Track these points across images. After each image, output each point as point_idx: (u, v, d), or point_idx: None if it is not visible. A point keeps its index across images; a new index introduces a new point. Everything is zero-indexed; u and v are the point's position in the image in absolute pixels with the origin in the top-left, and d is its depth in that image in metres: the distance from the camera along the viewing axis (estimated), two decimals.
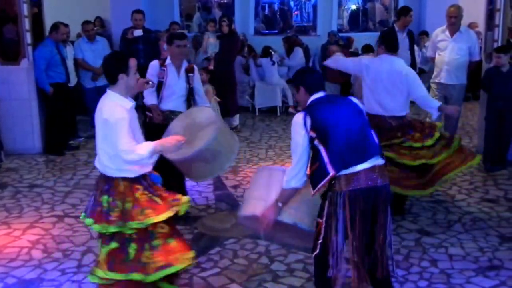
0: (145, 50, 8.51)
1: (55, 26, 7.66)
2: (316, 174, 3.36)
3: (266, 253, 4.73)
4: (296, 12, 12.31)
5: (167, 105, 5.44)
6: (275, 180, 3.63)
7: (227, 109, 8.83)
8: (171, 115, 5.28)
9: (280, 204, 3.50)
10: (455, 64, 6.92)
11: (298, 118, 3.38)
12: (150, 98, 5.39)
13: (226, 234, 5.14)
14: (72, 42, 8.67)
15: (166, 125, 5.01)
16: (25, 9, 7.40)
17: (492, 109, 6.72)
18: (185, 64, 5.50)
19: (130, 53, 8.36)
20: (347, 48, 10.07)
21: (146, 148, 3.51)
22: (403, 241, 4.92)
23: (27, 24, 7.45)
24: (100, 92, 8.34)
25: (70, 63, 8.16)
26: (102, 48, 8.44)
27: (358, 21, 12.37)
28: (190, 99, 5.53)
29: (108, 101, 3.55)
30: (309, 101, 3.49)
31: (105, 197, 3.55)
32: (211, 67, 8.95)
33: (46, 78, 7.54)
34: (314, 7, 11.85)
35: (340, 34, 11.14)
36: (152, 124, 5.35)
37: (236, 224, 5.37)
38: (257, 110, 10.16)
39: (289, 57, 10.53)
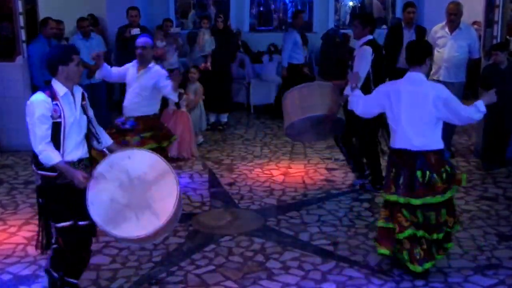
0: None
1: (44, 21, 7.59)
2: None
3: (261, 250, 4.70)
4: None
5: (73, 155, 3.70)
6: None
7: (220, 105, 8.79)
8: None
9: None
10: (455, 61, 6.85)
11: None
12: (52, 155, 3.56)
13: (221, 231, 5.10)
14: (67, 39, 8.60)
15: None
16: (19, 6, 7.34)
17: (490, 106, 6.65)
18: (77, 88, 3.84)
19: (127, 51, 8.39)
20: (343, 45, 9.96)
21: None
22: None
23: (21, 21, 7.39)
24: (94, 89, 8.40)
25: None
26: (97, 45, 8.37)
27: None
28: (90, 138, 3.87)
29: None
30: None
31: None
32: (208, 65, 8.90)
33: (41, 75, 7.47)
34: (310, 3, 11.78)
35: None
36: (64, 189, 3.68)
37: (231, 221, 5.34)
38: (252, 107, 10.11)
39: None
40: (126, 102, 5.60)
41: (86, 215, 3.61)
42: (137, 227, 3.59)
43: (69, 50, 3.72)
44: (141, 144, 5.29)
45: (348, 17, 12.20)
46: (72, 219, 3.65)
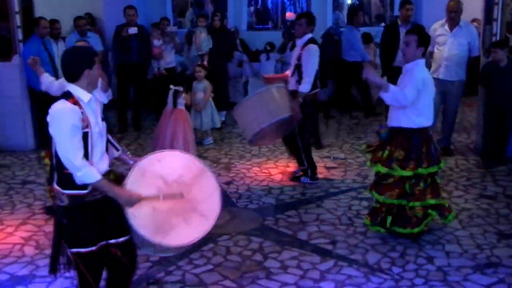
0: (139, 47, 8.44)
1: (36, 21, 7.53)
2: None
3: (260, 250, 4.67)
4: (289, 14, 12.17)
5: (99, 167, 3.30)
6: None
7: (217, 104, 8.77)
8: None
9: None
10: (455, 59, 6.82)
11: None
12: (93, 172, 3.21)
13: (219, 230, 5.06)
14: (64, 39, 8.56)
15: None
16: (16, 5, 7.32)
17: (490, 104, 6.65)
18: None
19: (124, 51, 8.37)
20: (341, 43, 9.92)
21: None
22: (399, 238, 4.83)
23: (18, 20, 7.37)
24: None
25: None
26: (94, 44, 8.32)
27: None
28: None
29: None
30: None
31: None
32: (205, 63, 8.87)
33: (36, 76, 7.39)
34: (308, 2, 11.74)
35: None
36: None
37: (229, 220, 5.31)
38: None
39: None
40: None
41: (120, 232, 3.37)
42: (189, 231, 3.40)
43: (92, 52, 3.36)
44: None
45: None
46: (96, 244, 3.31)
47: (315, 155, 7.27)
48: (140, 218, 3.28)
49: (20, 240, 4.92)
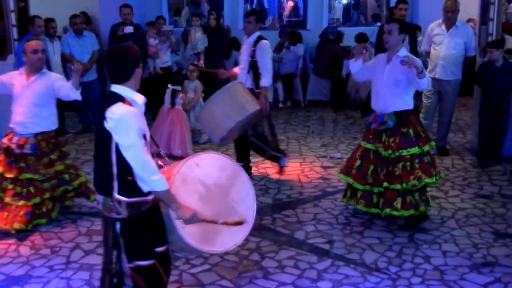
0: None
1: (30, 20, 7.47)
2: None
3: (257, 249, 4.66)
4: (290, 3, 12.12)
5: None
6: None
7: None
8: None
9: None
10: (451, 59, 6.83)
11: None
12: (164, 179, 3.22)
13: None
14: (59, 38, 8.53)
15: None
16: (11, 3, 7.26)
17: (486, 104, 6.66)
18: None
19: None
20: (337, 42, 9.94)
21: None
22: (396, 237, 4.85)
23: (13, 19, 7.31)
24: (88, 87, 8.33)
25: (57, 59, 8.02)
26: (90, 43, 8.33)
27: (350, 15, 12.30)
28: None
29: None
30: None
31: None
32: (201, 63, 8.85)
33: None
34: (305, 1, 11.74)
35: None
36: None
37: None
38: None
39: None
40: (20, 118, 4.95)
41: (164, 240, 3.22)
42: (232, 236, 3.34)
43: (137, 49, 3.12)
44: (50, 167, 5.07)
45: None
46: (153, 254, 3.16)
47: (311, 155, 7.29)
48: (187, 228, 3.15)
49: (15, 240, 4.89)
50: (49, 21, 8.00)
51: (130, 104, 2.98)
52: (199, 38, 9.00)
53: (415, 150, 4.84)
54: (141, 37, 8.60)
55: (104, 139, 2.98)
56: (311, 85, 10.29)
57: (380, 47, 8.29)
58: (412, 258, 4.48)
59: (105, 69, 3.18)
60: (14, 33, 7.36)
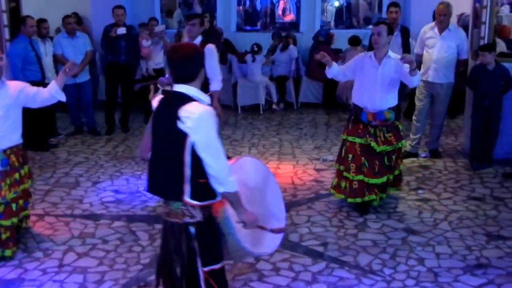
0: (127, 47, 8.36)
1: (22, 20, 7.39)
2: None
3: None
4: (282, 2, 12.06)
5: None
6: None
7: None
8: None
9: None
10: (444, 62, 6.85)
11: None
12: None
13: None
14: (52, 38, 8.48)
15: None
16: (2, 3, 7.21)
17: (478, 107, 6.69)
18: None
19: (113, 51, 8.31)
20: (327, 44, 9.93)
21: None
22: (390, 239, 4.87)
23: (5, 19, 7.26)
24: (81, 88, 8.28)
25: (49, 60, 7.96)
26: (83, 43, 8.28)
27: (342, 18, 12.31)
28: None
29: None
30: None
31: None
32: None
33: (23, 77, 7.30)
34: (297, 3, 11.75)
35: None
36: None
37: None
38: (239, 108, 10.05)
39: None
40: None
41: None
42: (272, 238, 3.33)
43: (199, 48, 3.04)
44: (19, 185, 4.58)
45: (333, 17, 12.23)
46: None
47: (305, 157, 7.29)
48: (240, 232, 3.07)
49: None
50: (42, 21, 7.95)
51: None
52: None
53: (403, 141, 5.53)
54: (134, 38, 8.57)
55: (175, 140, 2.85)
56: (304, 88, 10.30)
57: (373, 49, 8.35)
58: (406, 260, 4.50)
59: (169, 68, 3.03)
60: (6, 33, 7.31)
